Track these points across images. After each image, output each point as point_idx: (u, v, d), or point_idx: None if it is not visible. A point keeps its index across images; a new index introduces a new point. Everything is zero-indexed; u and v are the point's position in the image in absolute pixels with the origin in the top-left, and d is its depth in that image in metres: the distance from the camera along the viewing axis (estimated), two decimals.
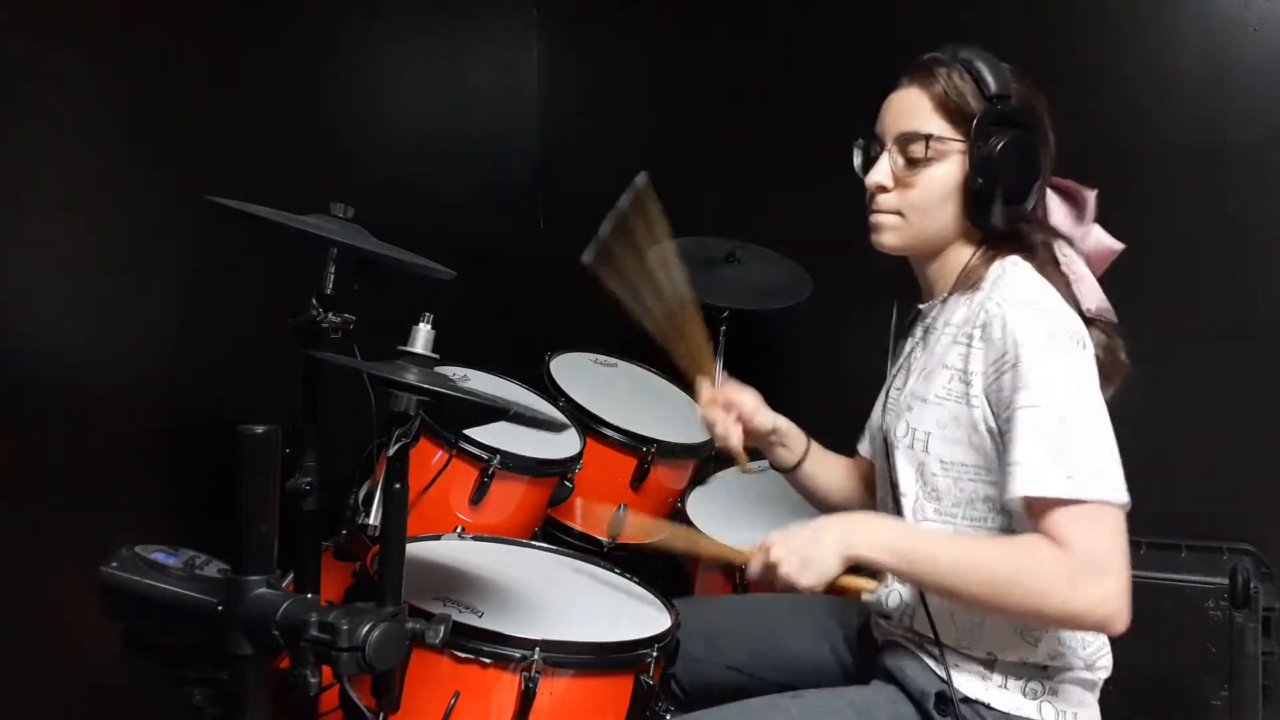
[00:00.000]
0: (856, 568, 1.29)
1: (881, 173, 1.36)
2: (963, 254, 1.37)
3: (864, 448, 1.64)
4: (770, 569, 1.27)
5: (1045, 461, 1.18)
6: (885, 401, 1.46)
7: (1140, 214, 2.22)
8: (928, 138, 1.32)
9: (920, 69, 1.36)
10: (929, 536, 1.30)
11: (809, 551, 1.25)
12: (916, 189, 1.35)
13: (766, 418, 1.58)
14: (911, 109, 1.35)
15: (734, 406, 1.56)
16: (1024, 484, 1.18)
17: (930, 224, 1.36)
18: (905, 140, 1.34)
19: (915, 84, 1.35)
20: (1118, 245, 1.41)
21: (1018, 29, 2.30)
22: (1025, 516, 1.22)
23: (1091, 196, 1.39)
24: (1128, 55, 2.28)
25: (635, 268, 1.56)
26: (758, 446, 1.63)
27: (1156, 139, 2.23)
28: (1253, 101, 2.16)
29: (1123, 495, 1.18)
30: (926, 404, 1.34)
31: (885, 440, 1.42)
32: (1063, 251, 1.38)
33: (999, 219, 1.32)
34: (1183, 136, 2.22)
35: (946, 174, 1.33)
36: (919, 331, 1.45)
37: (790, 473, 1.63)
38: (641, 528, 1.62)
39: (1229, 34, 2.18)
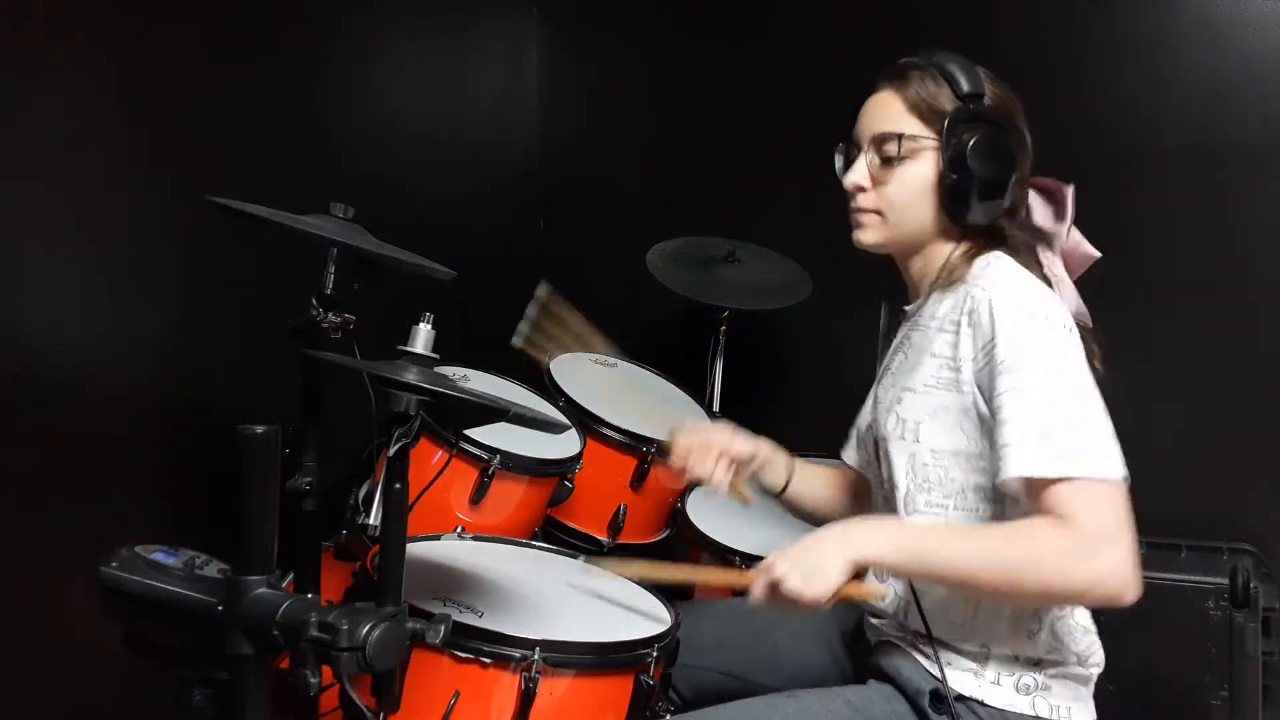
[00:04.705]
0: (860, 575, 1.27)
1: (859, 173, 1.40)
2: (944, 251, 1.39)
3: (850, 456, 1.61)
4: (774, 587, 1.24)
5: (1036, 442, 1.18)
6: (874, 402, 1.45)
7: (1139, 214, 2.23)
8: (900, 136, 1.36)
9: (894, 73, 1.39)
10: (932, 530, 1.30)
11: (811, 562, 1.23)
12: (892, 185, 1.38)
13: (745, 445, 1.58)
14: (885, 111, 1.39)
15: (710, 446, 1.55)
16: (1016, 466, 1.19)
17: (908, 220, 1.39)
18: (880, 141, 1.38)
19: (889, 87, 1.39)
20: (1094, 252, 1.42)
21: (1016, 30, 2.30)
22: (1023, 498, 1.22)
23: (1069, 191, 1.40)
24: (1127, 55, 2.28)
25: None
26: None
27: (1155, 139, 2.23)
28: (1252, 101, 2.16)
29: (1118, 469, 1.18)
30: (915, 394, 1.34)
31: (876, 440, 1.41)
32: (1044, 255, 1.40)
33: (976, 214, 1.34)
34: (1182, 136, 2.22)
35: (921, 171, 1.36)
36: (905, 330, 1.46)
37: (779, 495, 1.63)
38: (632, 570, 1.61)
39: (1229, 34, 2.18)
